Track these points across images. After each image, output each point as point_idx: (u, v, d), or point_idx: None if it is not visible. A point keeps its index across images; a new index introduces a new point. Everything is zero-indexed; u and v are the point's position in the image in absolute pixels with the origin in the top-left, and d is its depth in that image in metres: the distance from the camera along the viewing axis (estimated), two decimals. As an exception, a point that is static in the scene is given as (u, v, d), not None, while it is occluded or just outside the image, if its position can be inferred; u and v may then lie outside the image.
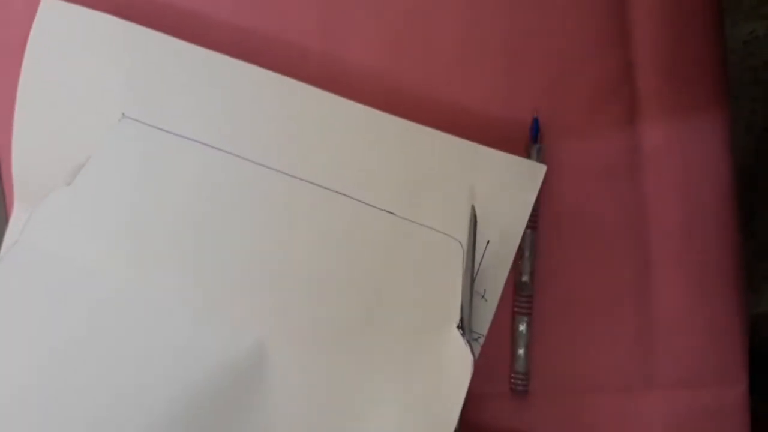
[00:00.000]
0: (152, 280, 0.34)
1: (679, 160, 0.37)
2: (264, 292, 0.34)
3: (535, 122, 0.37)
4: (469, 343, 0.32)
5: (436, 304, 0.34)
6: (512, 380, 0.36)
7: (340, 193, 0.35)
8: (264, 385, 0.32)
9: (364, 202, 0.34)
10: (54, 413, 0.31)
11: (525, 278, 0.36)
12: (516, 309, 0.36)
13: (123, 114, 0.35)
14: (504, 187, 0.35)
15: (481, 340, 0.35)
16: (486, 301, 0.35)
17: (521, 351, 0.36)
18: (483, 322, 0.35)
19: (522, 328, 0.36)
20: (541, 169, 0.35)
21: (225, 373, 0.32)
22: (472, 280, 0.34)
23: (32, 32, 0.35)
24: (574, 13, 0.37)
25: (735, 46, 0.81)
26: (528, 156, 0.36)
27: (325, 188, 0.35)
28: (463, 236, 0.34)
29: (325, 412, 0.33)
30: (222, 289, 0.34)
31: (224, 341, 0.33)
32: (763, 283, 0.76)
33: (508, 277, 0.35)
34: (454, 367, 0.32)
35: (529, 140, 0.37)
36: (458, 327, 0.32)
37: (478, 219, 0.35)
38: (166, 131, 0.35)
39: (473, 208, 0.34)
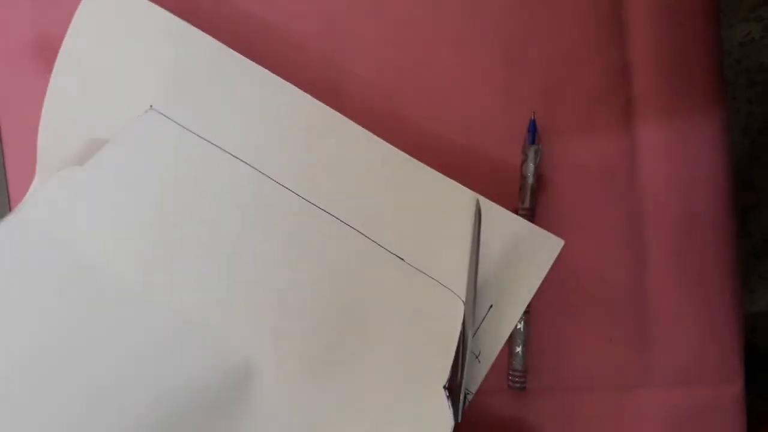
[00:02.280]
0: (154, 280, 0.32)
1: (676, 160, 0.38)
2: (264, 313, 0.32)
3: (533, 123, 0.37)
4: (459, 400, 0.31)
5: (428, 356, 0.32)
6: (510, 377, 0.37)
7: (353, 228, 0.34)
8: (246, 404, 0.31)
9: (375, 242, 0.34)
10: (28, 402, 0.29)
11: (523, 277, 0.36)
12: (514, 308, 0.37)
13: (151, 106, 0.35)
14: (518, 256, 0.35)
15: (470, 397, 0.35)
16: (479, 362, 0.35)
17: (519, 348, 0.36)
18: (473, 382, 0.35)
19: (520, 326, 0.36)
20: (558, 244, 0.35)
21: (209, 384, 0.31)
22: (465, 338, 0.32)
23: (81, 6, 0.35)
24: (571, 16, 0.38)
25: (731, 48, 0.81)
26: (526, 157, 0.37)
27: (340, 221, 0.34)
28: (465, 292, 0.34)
29: None
30: (223, 301, 0.33)
31: (214, 353, 0.32)
32: (759, 282, 0.77)
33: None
34: (434, 425, 0.30)
35: (527, 141, 0.37)
36: (445, 387, 0.30)
37: (487, 280, 0.34)
38: (192, 132, 0.34)
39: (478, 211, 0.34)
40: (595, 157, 0.38)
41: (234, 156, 0.34)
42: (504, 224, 0.35)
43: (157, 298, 0.32)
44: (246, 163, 0.34)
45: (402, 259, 0.34)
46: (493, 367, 0.36)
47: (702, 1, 0.38)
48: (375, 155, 0.35)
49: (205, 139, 0.34)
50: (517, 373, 0.36)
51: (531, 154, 0.36)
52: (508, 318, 0.35)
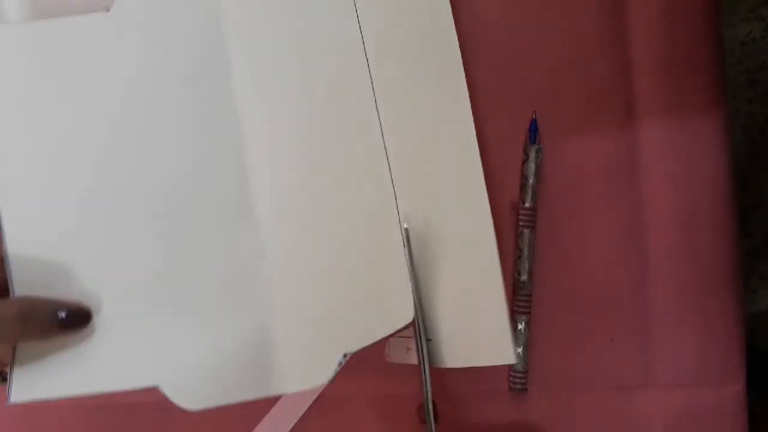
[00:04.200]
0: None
1: (677, 159, 0.38)
2: (276, 97, 0.33)
3: (534, 123, 0.37)
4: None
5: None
6: (511, 378, 0.37)
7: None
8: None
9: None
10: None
11: (524, 278, 0.36)
12: (514, 308, 0.37)
13: None
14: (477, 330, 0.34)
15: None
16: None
17: (520, 349, 0.36)
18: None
19: (520, 326, 0.36)
20: (508, 359, 0.33)
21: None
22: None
23: None
24: (572, 15, 0.38)
25: (732, 47, 0.81)
26: (527, 157, 0.36)
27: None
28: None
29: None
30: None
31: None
32: (759, 283, 0.77)
33: (505, 275, 0.35)
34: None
35: (527, 141, 0.37)
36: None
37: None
38: None
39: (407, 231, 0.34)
40: (595, 157, 0.37)
41: None
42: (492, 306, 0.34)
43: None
44: None
45: None
46: (494, 368, 0.36)
47: (703, 1, 0.38)
48: None
49: None
50: (518, 374, 0.36)
51: (532, 154, 0.36)
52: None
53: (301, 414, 0.37)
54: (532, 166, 0.36)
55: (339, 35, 0.34)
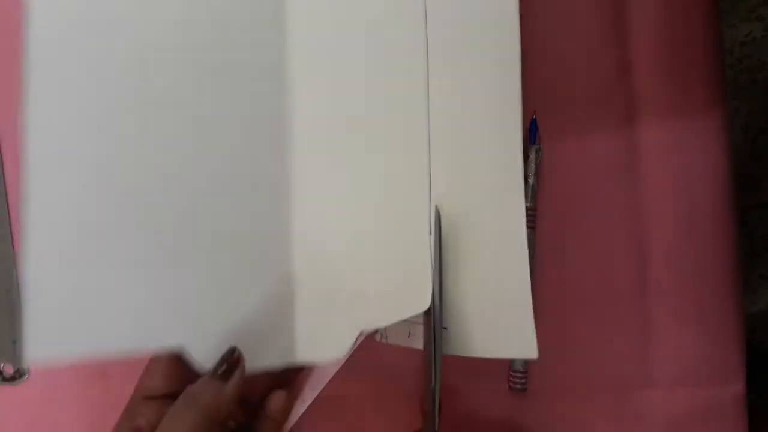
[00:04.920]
0: None
1: (677, 160, 0.38)
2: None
3: (534, 123, 0.37)
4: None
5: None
6: (511, 379, 0.37)
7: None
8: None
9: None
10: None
11: (524, 277, 0.36)
12: (515, 308, 0.37)
13: None
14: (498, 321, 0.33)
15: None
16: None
17: (520, 350, 0.36)
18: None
19: (521, 326, 0.36)
20: (532, 353, 0.33)
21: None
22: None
23: None
24: (572, 15, 0.38)
25: (732, 47, 0.81)
26: (527, 157, 0.36)
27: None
28: None
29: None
30: None
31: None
32: (759, 282, 0.77)
33: None
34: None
35: (527, 141, 0.37)
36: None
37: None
38: None
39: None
40: (595, 156, 0.37)
41: None
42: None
43: None
44: None
45: None
46: (494, 368, 0.36)
47: (703, 1, 0.38)
48: None
49: None
50: (518, 375, 0.36)
51: (532, 154, 0.36)
52: None
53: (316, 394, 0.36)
54: (532, 166, 0.36)
55: (400, 5, 0.34)
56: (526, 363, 0.37)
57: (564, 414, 0.37)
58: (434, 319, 0.32)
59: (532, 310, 0.32)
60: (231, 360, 0.30)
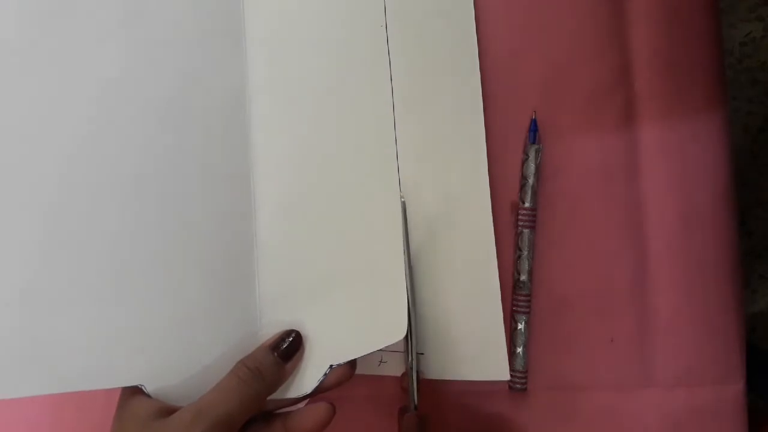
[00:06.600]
0: None
1: (677, 160, 0.38)
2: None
3: (534, 123, 0.37)
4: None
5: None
6: (510, 378, 0.37)
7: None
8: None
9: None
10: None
11: (523, 277, 0.36)
12: (514, 308, 0.37)
13: None
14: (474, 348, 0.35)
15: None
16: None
17: (519, 349, 0.36)
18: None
19: (520, 326, 0.36)
20: (503, 375, 0.35)
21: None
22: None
23: None
24: (572, 15, 0.38)
25: (732, 47, 0.81)
26: (527, 157, 0.36)
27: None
28: None
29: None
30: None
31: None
32: (759, 282, 0.77)
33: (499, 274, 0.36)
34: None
35: (527, 141, 0.37)
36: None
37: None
38: None
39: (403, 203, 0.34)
40: (595, 156, 0.37)
41: None
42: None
43: None
44: None
45: None
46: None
47: (703, 1, 0.38)
48: None
49: None
50: (518, 374, 0.36)
51: (532, 154, 0.36)
52: None
53: None
54: (532, 166, 0.36)
55: (362, 6, 0.35)
56: (526, 363, 0.37)
57: (564, 414, 0.37)
58: (410, 345, 0.33)
59: (504, 335, 0.34)
60: (293, 341, 0.30)
